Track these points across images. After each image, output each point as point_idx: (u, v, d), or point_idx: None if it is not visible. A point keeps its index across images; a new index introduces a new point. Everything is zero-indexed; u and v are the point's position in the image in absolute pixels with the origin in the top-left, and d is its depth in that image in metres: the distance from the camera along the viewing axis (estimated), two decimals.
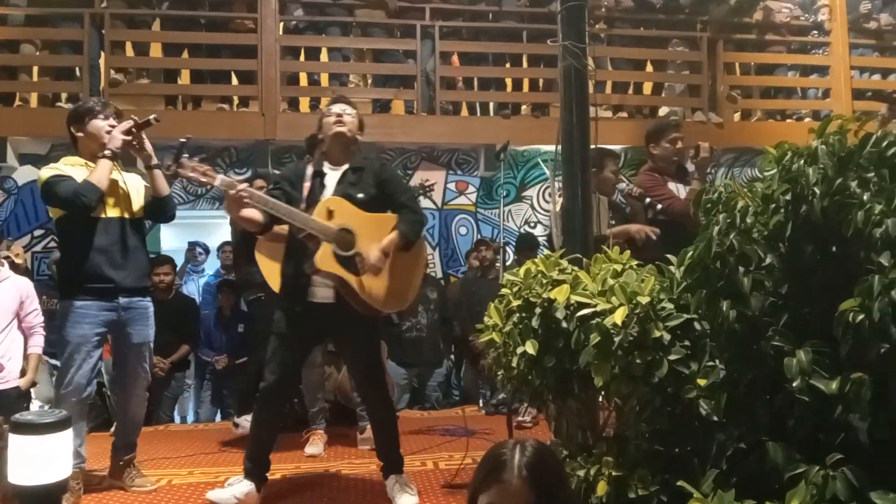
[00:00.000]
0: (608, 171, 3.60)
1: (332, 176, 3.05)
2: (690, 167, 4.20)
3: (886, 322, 1.40)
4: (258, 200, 2.82)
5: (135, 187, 3.24)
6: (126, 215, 3.15)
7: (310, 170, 3.05)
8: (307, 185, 3.01)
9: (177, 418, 5.68)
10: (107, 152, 3.03)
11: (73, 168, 3.11)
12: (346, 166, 3.05)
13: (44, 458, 2.12)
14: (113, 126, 3.12)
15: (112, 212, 3.10)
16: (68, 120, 3.19)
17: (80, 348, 3.01)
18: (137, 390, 3.26)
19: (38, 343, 3.97)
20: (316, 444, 3.99)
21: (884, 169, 1.58)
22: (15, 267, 4.43)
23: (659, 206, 3.54)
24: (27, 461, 2.12)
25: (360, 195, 2.98)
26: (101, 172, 3.01)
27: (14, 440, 2.14)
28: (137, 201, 3.22)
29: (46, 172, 3.06)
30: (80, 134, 3.15)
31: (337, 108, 3.08)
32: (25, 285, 3.98)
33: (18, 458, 2.13)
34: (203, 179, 2.78)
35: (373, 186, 3.02)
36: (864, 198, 1.53)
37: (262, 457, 3.01)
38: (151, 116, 3.11)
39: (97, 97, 3.24)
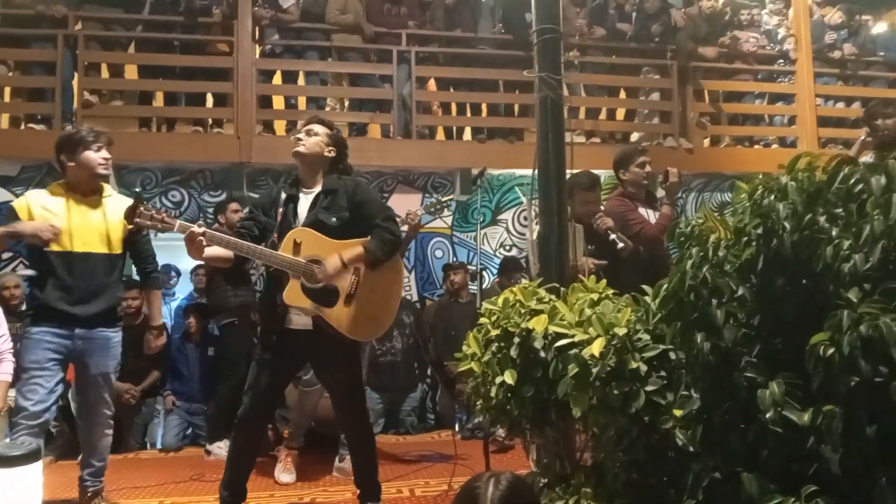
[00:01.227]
0: (589, 196, 3.65)
1: (305, 200, 2.99)
2: (660, 192, 4.29)
3: (855, 356, 1.43)
4: (219, 241, 2.77)
5: (116, 222, 3.17)
6: (99, 250, 3.13)
7: (283, 195, 3.00)
8: (281, 210, 2.96)
9: (147, 445, 5.55)
10: None
11: (51, 197, 3.10)
12: (318, 189, 3.00)
13: (13, 491, 2.07)
14: (106, 159, 3.11)
15: (81, 247, 3.08)
16: (58, 148, 3.14)
17: (34, 374, 3.01)
18: (99, 419, 3.24)
19: (6, 370, 3.85)
20: (289, 471, 3.94)
21: (851, 204, 1.62)
22: None
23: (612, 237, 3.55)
24: None
25: (333, 219, 2.91)
26: None
27: None
28: (116, 237, 3.18)
29: (15, 202, 3.11)
30: (72, 164, 3.11)
31: (303, 128, 3.03)
32: None
33: None
34: (161, 227, 2.72)
35: (346, 209, 2.94)
36: (833, 233, 1.56)
37: (240, 485, 2.97)
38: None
39: (88, 127, 3.21)
